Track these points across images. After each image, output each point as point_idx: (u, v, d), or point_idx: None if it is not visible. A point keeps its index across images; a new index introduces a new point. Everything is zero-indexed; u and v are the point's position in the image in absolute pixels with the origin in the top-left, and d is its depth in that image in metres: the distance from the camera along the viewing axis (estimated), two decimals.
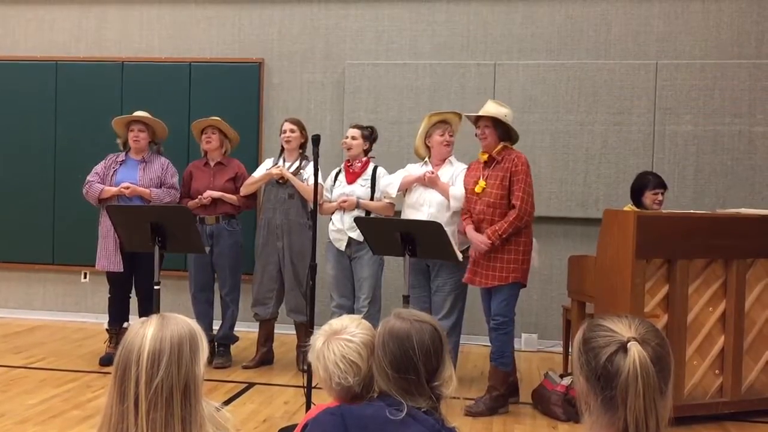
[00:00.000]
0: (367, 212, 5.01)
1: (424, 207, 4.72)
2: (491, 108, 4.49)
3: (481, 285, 4.48)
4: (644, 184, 4.98)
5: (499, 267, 4.37)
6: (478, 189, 4.47)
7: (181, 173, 5.54)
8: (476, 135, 4.56)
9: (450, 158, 4.85)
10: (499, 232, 4.32)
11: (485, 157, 4.50)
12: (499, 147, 4.46)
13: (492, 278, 4.40)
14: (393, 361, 1.85)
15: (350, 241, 4.99)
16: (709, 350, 4.31)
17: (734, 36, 5.97)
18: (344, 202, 5.00)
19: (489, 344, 4.68)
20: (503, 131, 4.47)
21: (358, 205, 5.00)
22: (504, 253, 4.37)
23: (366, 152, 5.17)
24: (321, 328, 2.06)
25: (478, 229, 4.47)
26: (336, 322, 2.04)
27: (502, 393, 4.46)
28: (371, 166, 5.13)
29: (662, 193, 4.96)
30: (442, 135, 4.78)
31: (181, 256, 5.93)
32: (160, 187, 5.36)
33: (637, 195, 5.00)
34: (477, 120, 4.54)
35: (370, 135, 5.18)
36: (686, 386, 4.23)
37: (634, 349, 1.40)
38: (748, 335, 4.38)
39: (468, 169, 4.69)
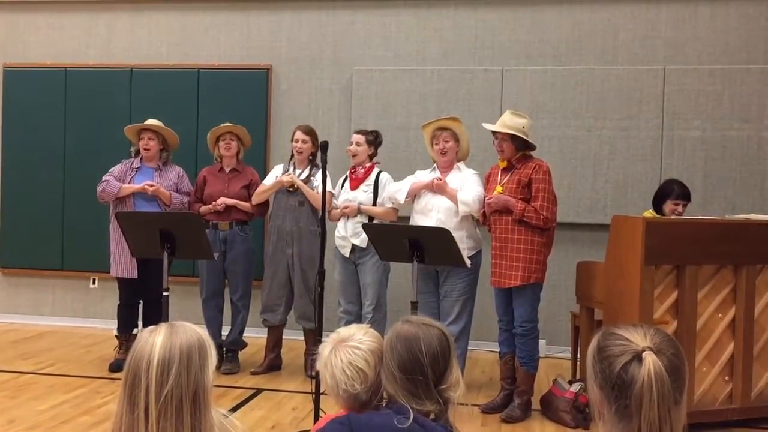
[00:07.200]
0: (371, 218, 5.02)
1: (432, 213, 4.72)
2: (507, 121, 4.47)
3: (503, 285, 4.46)
4: (668, 192, 4.90)
5: (522, 267, 4.37)
6: (495, 194, 4.48)
7: (190, 179, 5.58)
8: (494, 145, 4.57)
9: (458, 164, 4.84)
10: (524, 211, 4.32)
11: (504, 164, 4.53)
12: (519, 155, 4.48)
13: (514, 278, 4.39)
14: (401, 363, 1.87)
15: (354, 248, 5.01)
16: (718, 357, 4.29)
17: (743, 41, 5.95)
18: (346, 208, 5.02)
19: (497, 350, 4.68)
20: (521, 142, 4.46)
21: (359, 211, 5.01)
22: (525, 254, 4.37)
23: (371, 157, 5.17)
24: (329, 336, 2.07)
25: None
26: (344, 330, 2.06)
27: (531, 396, 4.52)
28: (375, 171, 5.14)
29: (684, 205, 4.89)
30: (437, 144, 4.79)
31: (189, 262, 5.94)
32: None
33: (658, 202, 4.95)
34: (494, 132, 4.55)
35: (374, 140, 5.19)
36: (696, 393, 4.20)
37: (649, 359, 1.40)
38: (757, 342, 4.35)
39: (489, 175, 4.70)
